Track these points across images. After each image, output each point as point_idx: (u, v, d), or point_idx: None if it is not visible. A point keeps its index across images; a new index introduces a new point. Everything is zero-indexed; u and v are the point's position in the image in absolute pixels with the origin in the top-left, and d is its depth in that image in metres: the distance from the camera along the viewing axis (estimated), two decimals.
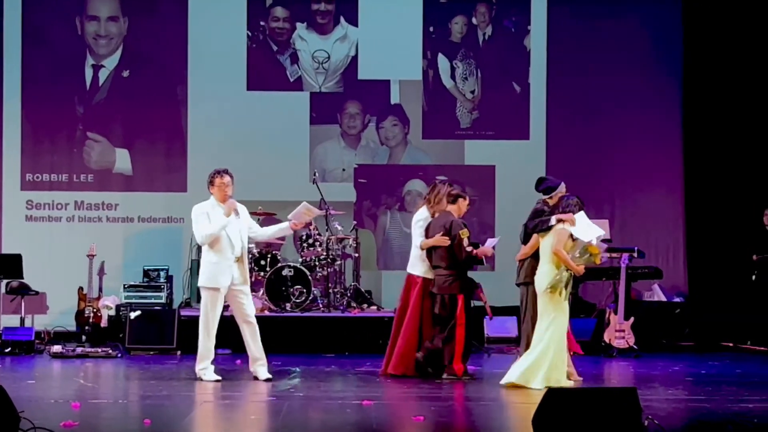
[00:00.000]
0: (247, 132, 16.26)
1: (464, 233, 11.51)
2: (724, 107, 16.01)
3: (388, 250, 16.58)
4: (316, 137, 16.54)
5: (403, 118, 16.63)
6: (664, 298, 15.80)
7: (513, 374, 10.76)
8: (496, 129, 16.61)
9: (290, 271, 14.42)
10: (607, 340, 13.82)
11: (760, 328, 14.97)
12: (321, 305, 14.55)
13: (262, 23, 16.57)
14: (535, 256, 11.19)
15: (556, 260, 10.74)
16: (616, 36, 16.56)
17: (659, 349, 14.61)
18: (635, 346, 13.68)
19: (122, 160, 16.33)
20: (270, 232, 11.56)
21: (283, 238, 14.65)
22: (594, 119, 16.49)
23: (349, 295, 14.88)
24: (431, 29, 16.64)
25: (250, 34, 16.53)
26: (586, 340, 14.05)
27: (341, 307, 14.52)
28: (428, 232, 11.65)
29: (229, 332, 13.58)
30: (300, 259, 14.70)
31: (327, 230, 14.79)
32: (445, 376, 11.32)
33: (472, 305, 11.76)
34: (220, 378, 10.97)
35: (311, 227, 14.50)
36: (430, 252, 11.58)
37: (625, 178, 16.50)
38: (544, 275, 10.79)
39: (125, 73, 16.38)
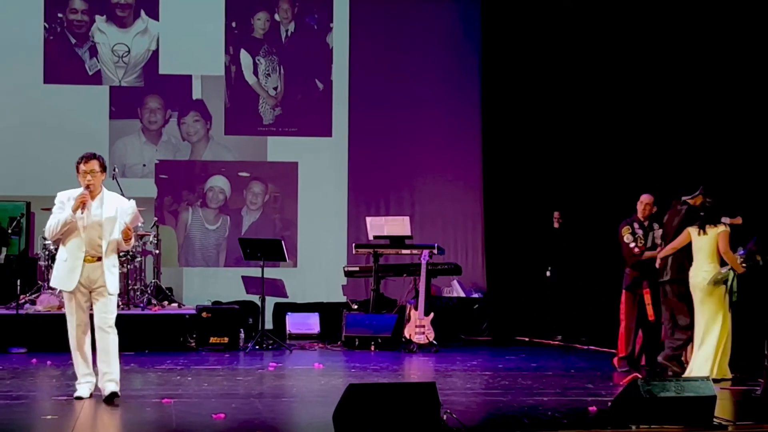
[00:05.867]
0: (44, 126, 15.91)
1: (624, 231, 12.14)
2: (520, 106, 16.36)
3: (190, 246, 16.44)
4: (115, 132, 16.29)
5: (205, 113, 16.51)
6: (463, 294, 16.08)
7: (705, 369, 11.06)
8: (298, 126, 16.64)
9: None
10: (407, 336, 13.99)
11: (555, 322, 15.40)
12: (120, 302, 14.29)
13: (59, 15, 16.22)
14: (678, 254, 11.50)
15: (719, 259, 11.14)
16: (417, 34, 16.78)
17: (458, 344, 14.87)
18: (435, 342, 13.87)
19: None
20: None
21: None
22: (396, 116, 16.67)
23: (149, 292, 14.69)
24: (234, 24, 16.56)
25: (47, 25, 16.16)
26: (387, 335, 14.19)
27: (141, 305, 14.32)
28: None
29: (25, 330, 13.33)
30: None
31: None
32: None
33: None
34: (83, 396, 9.47)
35: None
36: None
37: (427, 176, 16.72)
38: (707, 274, 11.11)
39: None
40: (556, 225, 15.42)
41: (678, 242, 11.47)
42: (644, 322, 12.15)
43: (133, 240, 9.60)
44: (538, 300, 15.82)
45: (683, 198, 11.67)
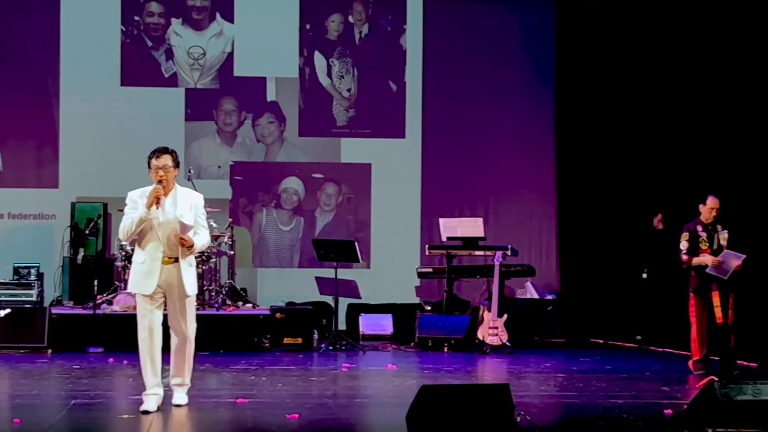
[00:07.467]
0: (120, 128, 16.06)
1: (682, 237, 12.15)
2: (595, 108, 16.25)
3: (264, 247, 16.52)
4: (191, 134, 16.43)
5: (279, 115, 16.59)
6: (536, 296, 16.01)
7: None
8: (372, 127, 16.67)
9: None
10: (480, 337, 13.96)
11: (650, 325, 15.15)
12: (196, 303, 14.36)
13: (136, 18, 16.39)
14: None
15: None
16: (491, 36, 16.74)
17: (532, 346, 14.81)
18: (508, 343, 13.82)
19: None
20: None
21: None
22: (469, 118, 16.63)
23: (224, 292, 14.78)
24: (308, 27, 16.63)
25: (124, 29, 16.34)
26: (460, 337, 14.18)
27: (216, 305, 14.42)
28: None
29: (102, 330, 13.50)
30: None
31: None
32: None
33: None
34: (150, 410, 8.89)
35: None
36: None
37: (500, 177, 16.68)
38: None
39: None
40: (661, 227, 15.22)
41: None
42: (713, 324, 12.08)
43: (197, 245, 9.04)
44: (627, 301, 15.54)
45: None
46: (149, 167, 8.98)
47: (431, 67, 16.73)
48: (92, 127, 16.07)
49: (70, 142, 16.09)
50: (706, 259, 11.99)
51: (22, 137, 16.06)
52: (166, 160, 8.94)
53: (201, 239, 9.13)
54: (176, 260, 8.96)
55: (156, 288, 8.95)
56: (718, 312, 11.96)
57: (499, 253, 14.36)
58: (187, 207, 9.04)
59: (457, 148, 16.63)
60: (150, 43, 16.44)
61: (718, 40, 14.77)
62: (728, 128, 14.71)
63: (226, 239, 14.99)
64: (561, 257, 16.73)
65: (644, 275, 15.27)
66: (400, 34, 16.74)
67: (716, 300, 11.98)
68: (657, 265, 15.15)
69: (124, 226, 8.97)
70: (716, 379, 8.68)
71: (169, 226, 8.91)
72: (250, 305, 14.90)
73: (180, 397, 9.23)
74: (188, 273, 9.04)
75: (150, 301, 8.99)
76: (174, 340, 9.20)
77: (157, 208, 8.85)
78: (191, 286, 9.07)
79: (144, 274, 8.96)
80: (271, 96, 16.59)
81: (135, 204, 8.94)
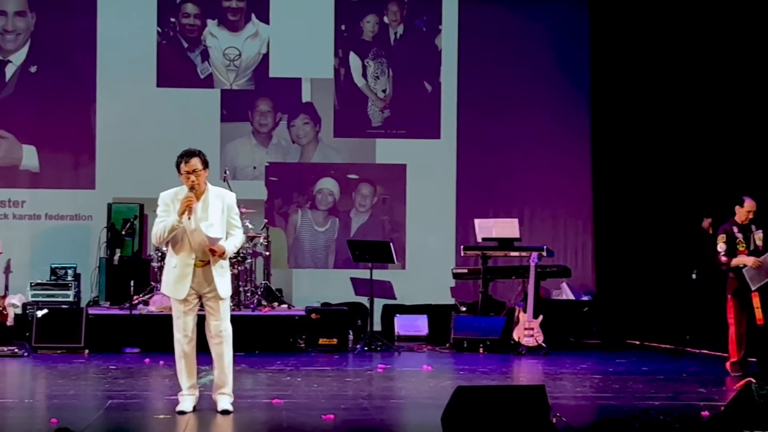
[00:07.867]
0: (156, 129, 16.12)
1: (719, 239, 12.10)
2: (631, 109, 16.16)
3: (299, 248, 16.54)
4: (226, 135, 16.47)
5: (314, 116, 16.61)
6: (572, 297, 15.95)
7: None
8: (407, 128, 16.65)
9: None
10: (516, 338, 13.93)
11: (700, 326, 15.01)
12: (231, 304, 14.39)
13: (172, 19, 16.45)
14: None
15: None
16: (526, 36, 16.68)
17: (567, 347, 14.76)
18: (544, 344, 13.79)
19: (29, 157, 16.12)
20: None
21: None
22: (504, 118, 16.58)
23: (259, 293, 14.81)
24: (343, 27, 16.64)
25: (160, 30, 16.40)
26: (496, 338, 14.16)
27: (252, 306, 14.45)
28: None
29: (138, 331, 13.56)
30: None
31: None
32: None
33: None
34: (186, 410, 9.02)
35: None
36: None
37: (535, 178, 16.61)
38: None
39: (33, 69, 16.17)
40: (711, 231, 15.11)
41: None
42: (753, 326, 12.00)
43: (229, 250, 9.00)
44: (667, 302, 15.41)
45: None
46: (179, 172, 8.94)
47: (466, 67, 16.69)
48: (128, 128, 16.13)
49: (106, 143, 16.16)
50: (746, 259, 11.92)
51: (59, 138, 16.13)
52: (195, 163, 8.89)
53: (234, 241, 9.11)
54: (207, 263, 8.94)
55: (189, 291, 8.94)
56: (758, 313, 11.89)
57: (534, 254, 14.33)
58: (218, 211, 8.98)
59: (492, 149, 16.58)
60: (186, 45, 16.50)
61: (753, 43, 14.70)
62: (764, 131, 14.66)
63: (261, 240, 15.01)
64: (597, 258, 16.66)
65: (693, 276, 15.14)
66: (436, 34, 16.73)
67: (756, 301, 11.91)
68: (706, 267, 15.03)
69: (156, 232, 8.96)
70: (754, 380, 8.62)
71: (201, 231, 8.85)
72: (285, 306, 14.93)
73: (225, 404, 9.12)
74: (220, 276, 9.00)
75: (184, 304, 9.00)
76: (212, 344, 9.13)
77: (189, 218, 8.81)
78: (223, 288, 9.04)
79: (176, 279, 8.96)
80: (306, 97, 16.61)
81: (167, 207, 8.93)
